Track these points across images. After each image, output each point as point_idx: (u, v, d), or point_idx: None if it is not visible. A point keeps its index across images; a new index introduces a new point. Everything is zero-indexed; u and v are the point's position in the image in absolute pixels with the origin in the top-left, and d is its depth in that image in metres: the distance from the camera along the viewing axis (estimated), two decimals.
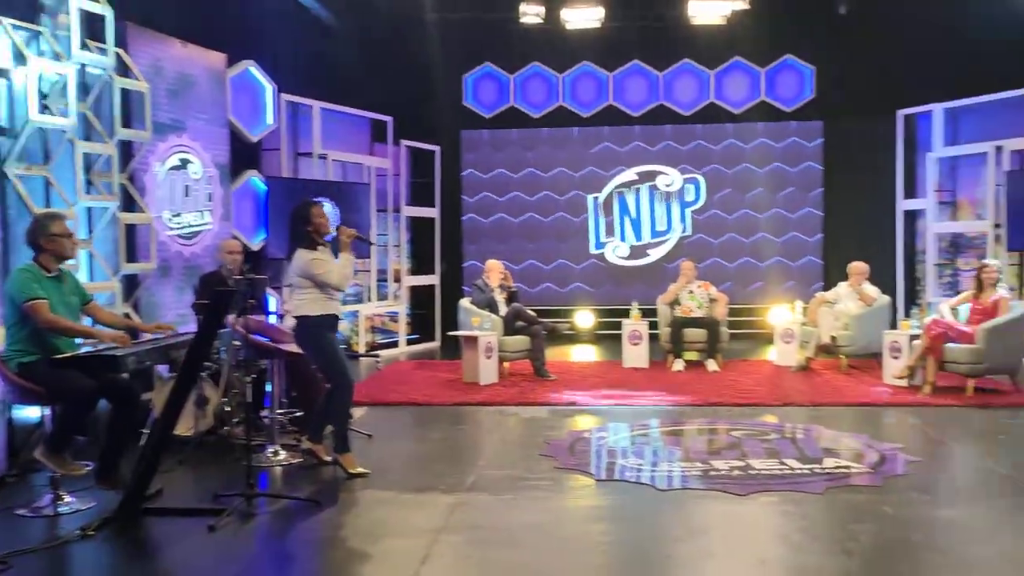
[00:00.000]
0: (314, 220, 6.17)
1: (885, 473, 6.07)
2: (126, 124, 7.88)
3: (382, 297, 13.12)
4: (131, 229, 8.00)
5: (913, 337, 9.33)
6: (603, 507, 5.55)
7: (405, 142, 13.46)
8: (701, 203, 14.58)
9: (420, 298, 14.34)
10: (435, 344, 13.90)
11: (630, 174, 14.68)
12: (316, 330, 6.13)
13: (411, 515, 5.32)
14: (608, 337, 13.89)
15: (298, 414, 7.28)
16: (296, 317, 6.16)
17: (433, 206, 14.13)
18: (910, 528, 4.93)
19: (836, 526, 5.01)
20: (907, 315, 10.48)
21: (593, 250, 14.80)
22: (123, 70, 7.94)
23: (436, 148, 14.15)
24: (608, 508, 5.51)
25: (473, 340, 9.85)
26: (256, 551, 4.95)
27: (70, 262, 5.96)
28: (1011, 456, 6.59)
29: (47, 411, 5.76)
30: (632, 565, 4.51)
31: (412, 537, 4.90)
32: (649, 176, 14.66)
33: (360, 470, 6.17)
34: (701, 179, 14.57)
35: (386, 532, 5.02)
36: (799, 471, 6.15)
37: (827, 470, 6.18)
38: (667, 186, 14.64)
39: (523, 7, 13.15)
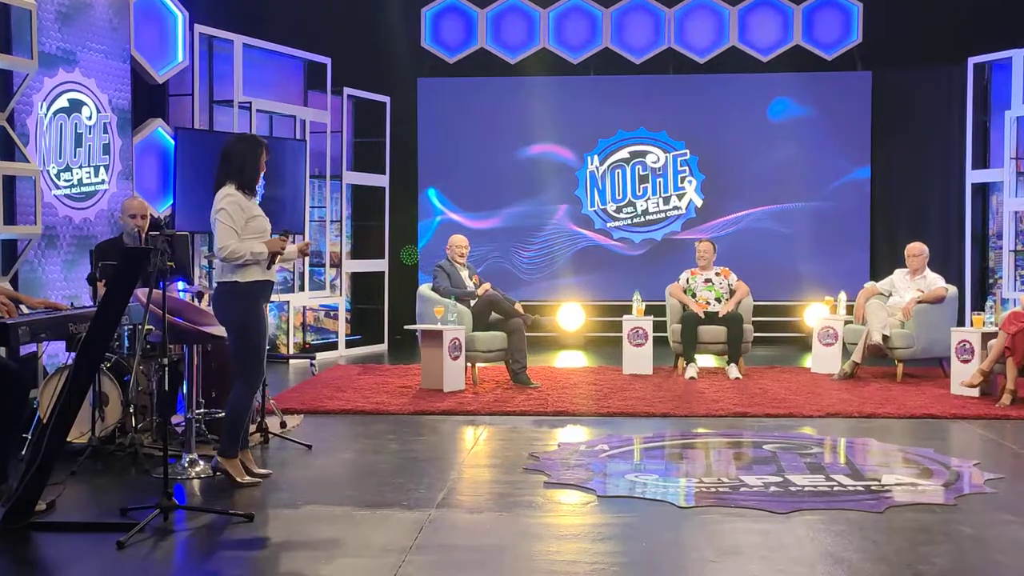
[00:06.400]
0: (260, 162, 6.28)
1: (959, 491, 6.21)
2: (5, 50, 7.85)
3: (317, 287, 13.13)
4: (9, 183, 7.97)
5: (987, 336, 9.49)
6: (610, 525, 5.62)
7: (348, 91, 13.49)
8: (717, 173, 14.68)
9: (364, 289, 14.36)
10: (383, 347, 13.93)
11: (630, 136, 14.79)
12: (249, 298, 6.21)
13: (369, 533, 5.37)
14: (601, 340, 13.98)
15: (220, 415, 7.30)
16: (220, 282, 6.18)
17: (382, 172, 14.17)
18: (993, 549, 5.05)
19: (903, 547, 5.11)
20: (979, 310, 10.61)
21: (583, 231, 14.87)
22: None
23: (387, 99, 14.19)
24: (617, 527, 5.58)
25: (435, 336, 9.88)
26: (178, 571, 4.97)
27: None
28: None
29: None
30: None
31: (372, 557, 4.97)
32: (654, 140, 14.77)
33: (249, 480, 6.33)
34: (717, 143, 14.68)
35: (340, 552, 5.07)
36: (851, 488, 6.27)
37: (886, 486, 6.31)
38: (676, 151, 14.75)
39: None
